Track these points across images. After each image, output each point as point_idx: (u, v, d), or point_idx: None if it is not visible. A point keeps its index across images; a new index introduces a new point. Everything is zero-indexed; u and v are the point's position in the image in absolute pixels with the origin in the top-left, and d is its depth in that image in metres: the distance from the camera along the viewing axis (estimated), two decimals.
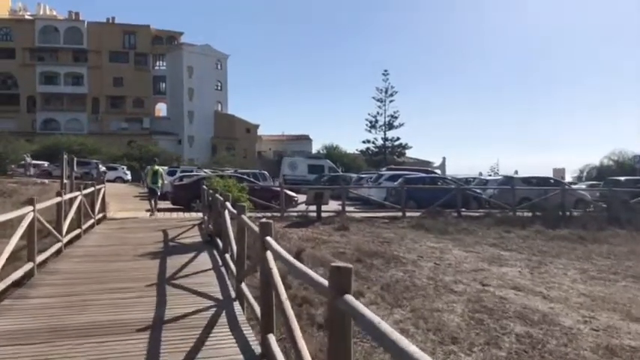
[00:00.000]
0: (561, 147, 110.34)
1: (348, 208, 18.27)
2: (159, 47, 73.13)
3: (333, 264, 2.42)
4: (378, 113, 59.55)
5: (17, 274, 6.68)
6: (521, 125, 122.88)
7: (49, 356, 4.26)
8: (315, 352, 4.77)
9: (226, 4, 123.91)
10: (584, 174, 46.37)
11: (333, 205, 18.10)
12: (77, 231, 11.04)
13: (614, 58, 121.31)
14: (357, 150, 62.16)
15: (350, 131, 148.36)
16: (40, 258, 7.84)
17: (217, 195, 10.16)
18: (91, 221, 12.98)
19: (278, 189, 18.99)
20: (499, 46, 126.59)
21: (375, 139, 59.75)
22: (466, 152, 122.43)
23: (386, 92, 59.11)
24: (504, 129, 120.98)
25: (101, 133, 65.43)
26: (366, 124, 60.07)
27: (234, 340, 4.69)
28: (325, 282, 2.49)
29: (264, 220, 4.56)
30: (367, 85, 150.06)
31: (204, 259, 8.82)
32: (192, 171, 29.37)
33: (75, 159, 16.03)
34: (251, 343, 4.61)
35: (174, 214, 17.23)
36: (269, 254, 4.06)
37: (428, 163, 60.69)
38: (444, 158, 64.03)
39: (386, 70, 59.52)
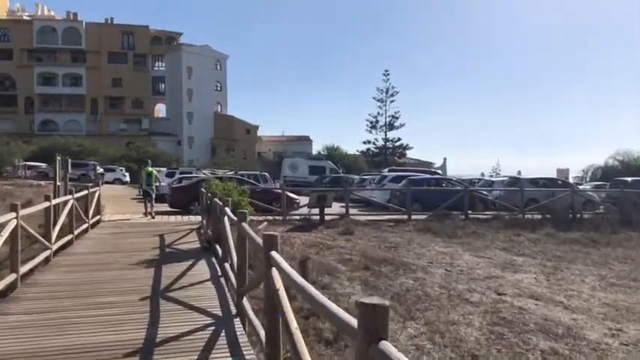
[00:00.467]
0: (562, 148, 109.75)
1: (351, 211, 17.70)
2: (158, 48, 72.59)
3: (362, 300, 1.85)
4: (378, 114, 59.14)
5: None
6: (521, 126, 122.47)
7: None
8: None
9: (225, 5, 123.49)
10: (589, 174, 45.69)
11: (336, 208, 17.52)
12: (69, 237, 10.46)
13: (615, 57, 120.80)
14: (357, 151, 61.66)
15: (351, 132, 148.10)
16: (25, 268, 7.27)
17: (216, 199, 9.58)
18: (85, 226, 12.41)
19: (279, 191, 18.42)
20: (499, 46, 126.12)
21: (375, 139, 59.36)
22: (466, 153, 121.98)
23: (387, 92, 58.66)
24: (504, 130, 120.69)
25: (100, 134, 64.84)
26: (367, 125, 59.63)
27: None
28: (354, 322, 1.92)
29: (262, 227, 3.98)
30: (368, 85, 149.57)
31: (202, 269, 8.24)
32: (191, 172, 28.74)
33: (69, 161, 15.47)
34: None
35: (172, 218, 16.65)
36: (275, 272, 3.49)
37: (429, 164, 60.11)
38: (445, 159, 63.61)
39: (386, 70, 59.13)
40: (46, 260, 8.59)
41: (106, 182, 37.45)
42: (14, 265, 6.79)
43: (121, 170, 43.76)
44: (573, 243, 14.71)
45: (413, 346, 6.33)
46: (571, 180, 37.14)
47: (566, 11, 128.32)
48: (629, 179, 25.98)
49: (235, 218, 6.17)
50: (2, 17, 70.58)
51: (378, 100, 58.91)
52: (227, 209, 7.58)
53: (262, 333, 4.37)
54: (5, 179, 31.59)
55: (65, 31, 69.13)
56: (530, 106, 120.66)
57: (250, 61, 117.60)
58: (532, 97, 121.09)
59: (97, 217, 14.65)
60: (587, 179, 44.14)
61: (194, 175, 25.93)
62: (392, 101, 58.62)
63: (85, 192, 13.00)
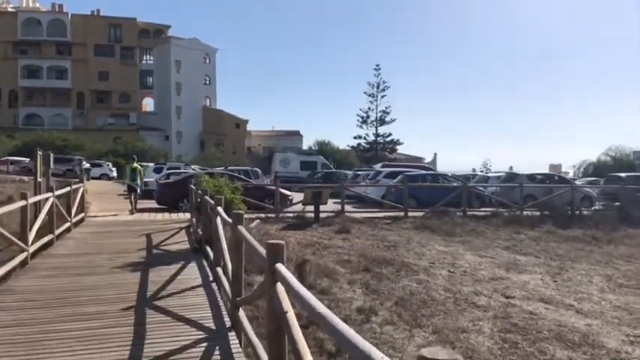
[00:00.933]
0: (552, 143, 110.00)
1: (345, 208, 17.15)
2: (145, 41, 71.14)
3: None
4: (369, 108, 58.64)
5: None
6: (510, 121, 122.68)
7: None
8: None
9: None
10: (581, 170, 45.63)
11: (329, 204, 16.95)
12: (49, 237, 9.81)
13: (604, 53, 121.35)
14: (348, 146, 61.11)
15: (342, 127, 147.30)
16: None
17: (207, 197, 8.97)
18: (67, 225, 11.74)
19: (272, 187, 17.81)
20: (488, 40, 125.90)
21: (366, 134, 58.85)
22: (455, 148, 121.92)
23: (377, 87, 58.15)
24: (493, 125, 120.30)
25: (86, 128, 63.47)
26: (358, 120, 59.12)
27: None
28: None
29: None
30: (359, 79, 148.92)
31: (192, 273, 7.63)
32: (179, 168, 27.97)
33: (52, 155, 14.74)
34: None
35: (160, 215, 15.98)
36: (281, 289, 2.93)
37: (419, 160, 59.77)
38: (436, 154, 63.26)
39: (377, 65, 58.50)
40: (23, 263, 7.95)
41: (93, 178, 36.55)
42: None
43: (108, 165, 42.85)
44: (575, 241, 14.38)
45: None
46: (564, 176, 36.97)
47: (557, 2, 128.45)
48: (622, 175, 25.79)
49: (229, 219, 5.60)
50: None
51: (369, 95, 58.44)
52: (220, 209, 6.99)
53: (261, 351, 3.82)
54: None
55: (50, 22, 67.42)
56: (520, 101, 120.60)
57: (239, 55, 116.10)
58: (521, 93, 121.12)
59: (81, 215, 13.97)
60: (580, 175, 44.07)
61: (183, 170, 25.21)
62: (383, 96, 58.16)
63: (67, 188, 12.31)
